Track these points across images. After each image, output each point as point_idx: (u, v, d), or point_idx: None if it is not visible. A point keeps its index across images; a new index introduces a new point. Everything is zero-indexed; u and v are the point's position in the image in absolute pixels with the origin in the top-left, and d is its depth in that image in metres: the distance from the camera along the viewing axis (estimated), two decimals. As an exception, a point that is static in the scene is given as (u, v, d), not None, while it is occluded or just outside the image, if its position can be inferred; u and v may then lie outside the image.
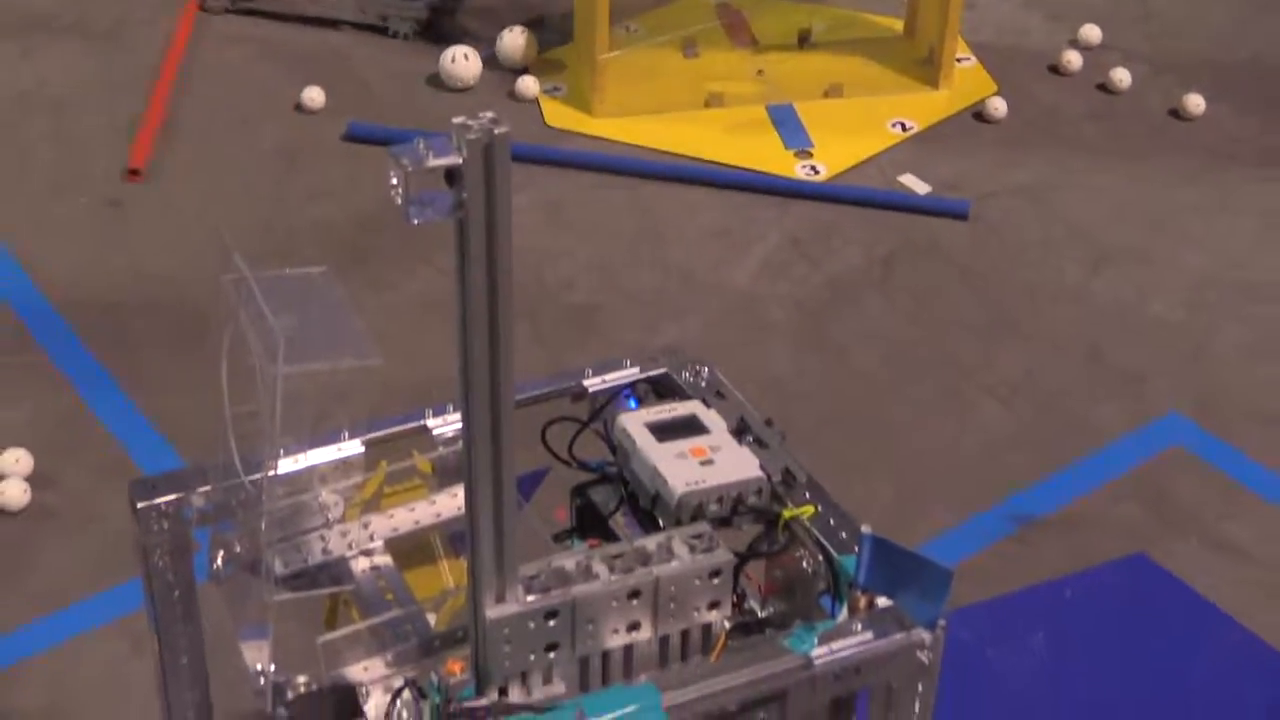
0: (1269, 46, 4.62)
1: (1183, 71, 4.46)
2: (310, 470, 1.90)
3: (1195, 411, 3.37)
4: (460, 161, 1.40)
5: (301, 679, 1.73)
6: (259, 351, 1.64)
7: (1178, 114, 4.34)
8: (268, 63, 4.47)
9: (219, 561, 1.88)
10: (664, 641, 1.70)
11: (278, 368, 1.59)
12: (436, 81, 4.38)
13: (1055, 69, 4.50)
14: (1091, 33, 4.58)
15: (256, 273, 1.67)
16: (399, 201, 1.42)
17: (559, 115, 4.28)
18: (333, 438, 1.92)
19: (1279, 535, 3.09)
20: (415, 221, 1.42)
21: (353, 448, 1.92)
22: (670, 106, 4.29)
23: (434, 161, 1.40)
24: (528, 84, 4.34)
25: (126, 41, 4.51)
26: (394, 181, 1.42)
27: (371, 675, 1.74)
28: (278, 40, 4.57)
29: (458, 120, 1.41)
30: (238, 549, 1.87)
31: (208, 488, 1.85)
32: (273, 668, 1.75)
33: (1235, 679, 2.77)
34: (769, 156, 4.14)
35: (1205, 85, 4.40)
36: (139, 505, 1.83)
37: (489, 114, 1.43)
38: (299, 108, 4.26)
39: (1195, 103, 4.32)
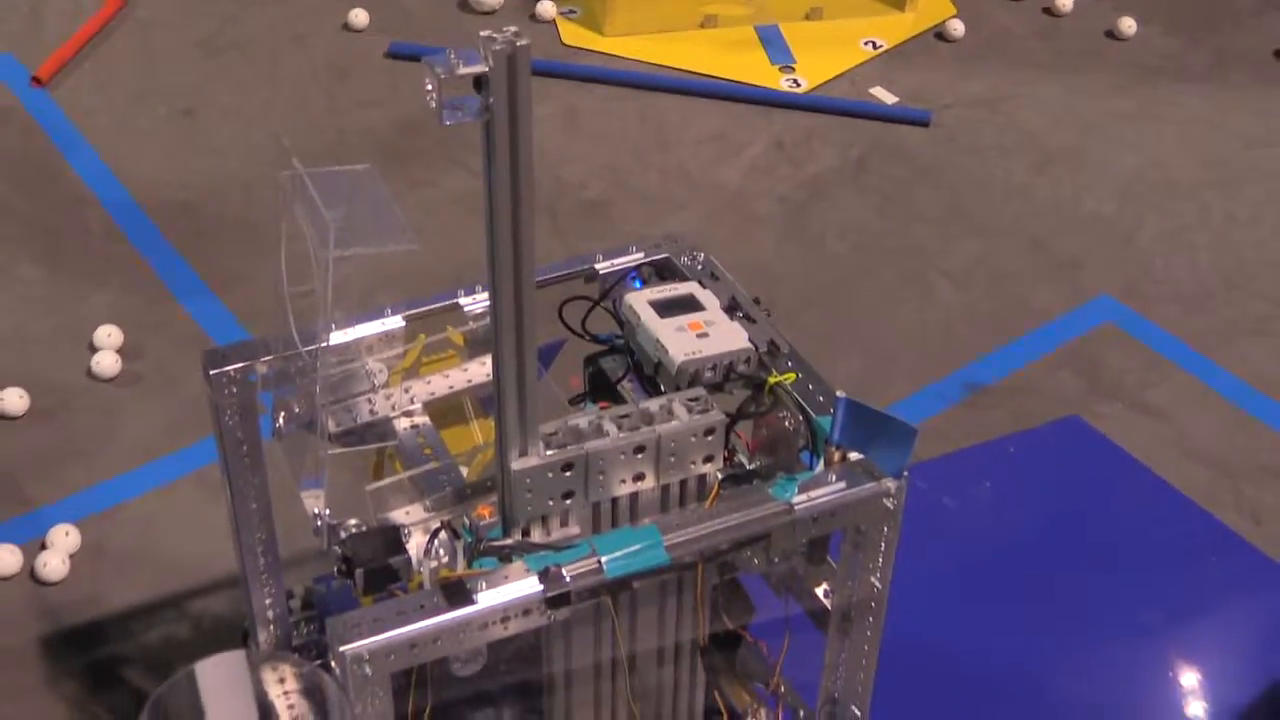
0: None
1: (1116, -4, 4.44)
2: (358, 342, 1.89)
3: (1123, 293, 3.37)
4: (487, 69, 1.39)
5: (352, 521, 1.74)
6: (313, 238, 1.62)
7: (1113, 34, 4.31)
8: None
9: (281, 421, 1.88)
10: (665, 490, 1.70)
11: (329, 252, 1.58)
12: (466, 6, 4.32)
13: (1007, -8, 4.47)
14: (1039, -38, 4.54)
15: (310, 169, 1.66)
16: (433, 105, 1.40)
17: (574, 35, 4.23)
18: (377, 313, 1.91)
19: (1193, 400, 3.08)
20: (448, 123, 1.40)
21: (395, 322, 1.91)
22: (671, 27, 4.24)
23: (464, 70, 1.39)
24: (546, 7, 4.29)
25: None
26: (429, 88, 1.41)
27: (412, 518, 1.75)
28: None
29: (485, 33, 1.39)
30: (296, 410, 1.87)
31: (270, 357, 1.84)
32: (328, 512, 1.75)
33: (1151, 522, 2.78)
34: (757, 71, 4.10)
35: (1137, 9, 4.36)
36: (211, 372, 1.82)
37: (512, 28, 1.41)
38: (345, 27, 4.20)
39: (1128, 24, 4.29)
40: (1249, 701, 2.44)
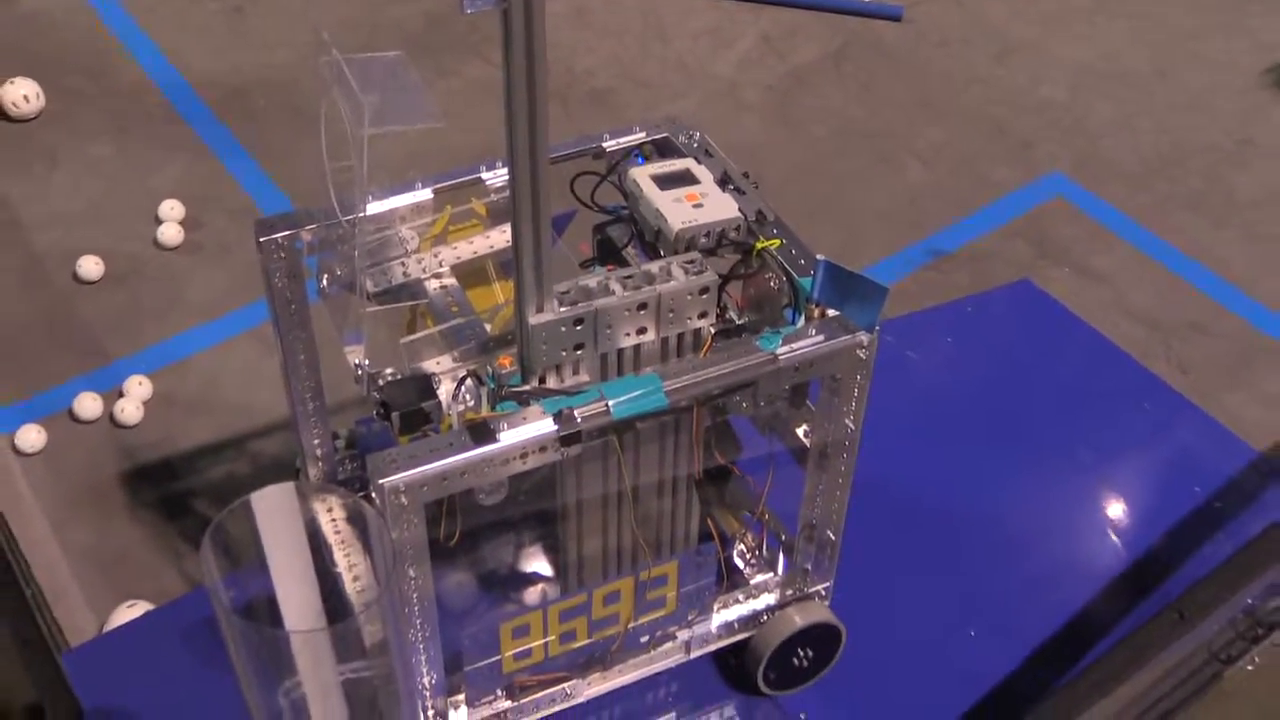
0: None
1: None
2: (392, 212, 1.88)
3: (1072, 170, 3.33)
4: (505, -38, 1.34)
5: (389, 370, 1.73)
6: (350, 118, 1.60)
7: (1068, -63, 4.20)
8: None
9: (325, 283, 1.86)
10: (664, 343, 1.69)
11: (364, 130, 1.55)
12: (488, -89, 4.22)
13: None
14: None
15: (346, 56, 1.62)
16: (456, -6, 1.36)
17: (583, -62, 4.14)
18: (409, 186, 1.89)
19: (1131, 266, 3.07)
20: (469, 10, 1.36)
21: (425, 194, 1.89)
22: (671, -69, 4.15)
23: (484, -37, 1.34)
24: (559, -87, 4.20)
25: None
26: (451, -22, 1.36)
27: (442, 368, 1.74)
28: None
29: (500, -71, 1.35)
30: (338, 273, 1.86)
31: (314, 225, 1.82)
32: (367, 362, 1.75)
33: (1091, 373, 2.77)
34: (747, -29, 4.02)
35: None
36: (261, 239, 1.81)
37: (525, -77, 1.36)
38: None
39: (1082, -72, 4.18)
40: (1171, 521, 2.47)
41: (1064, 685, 1.90)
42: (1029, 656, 2.21)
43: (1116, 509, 2.49)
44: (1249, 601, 2.27)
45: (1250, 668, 2.31)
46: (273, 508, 1.35)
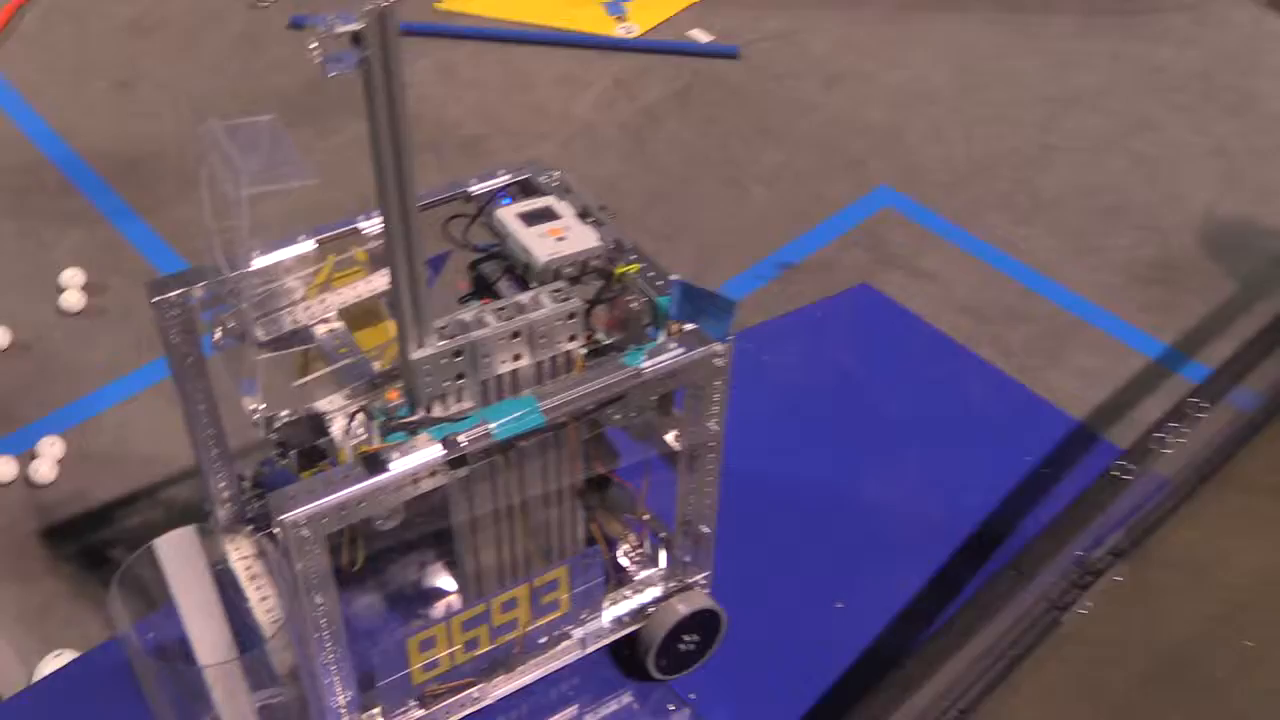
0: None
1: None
2: (278, 264, 1.83)
3: (898, 182, 3.38)
4: (361, 26, 1.32)
5: (285, 412, 1.69)
6: (229, 181, 1.55)
7: (878, -24, 4.27)
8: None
9: (218, 336, 1.81)
10: (539, 366, 1.67)
11: (242, 191, 1.51)
12: (354, -19, 4.16)
13: (792, -51, 4.40)
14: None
15: (222, 122, 1.59)
16: (319, 60, 1.34)
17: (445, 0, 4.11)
18: (292, 239, 1.84)
19: (955, 265, 3.12)
20: (331, 74, 1.34)
21: (308, 246, 1.86)
22: (523, -10, 4.15)
23: (341, 28, 1.33)
24: (420, -21, 4.15)
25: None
26: (313, 46, 1.34)
27: (335, 406, 1.70)
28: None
29: (356, -2, 1.32)
30: (231, 325, 1.81)
31: (205, 283, 1.76)
32: (264, 406, 1.70)
33: (927, 362, 2.82)
34: (596, 22, 4.01)
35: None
36: (154, 299, 1.75)
37: (378, -8, 1.34)
38: (253, 5, 4.02)
39: (889, -33, 4.25)
40: (1006, 488, 2.51)
41: (921, 645, 1.92)
42: (890, 622, 2.24)
43: (958, 482, 2.53)
44: (1078, 553, 2.32)
45: (1084, 611, 2.36)
46: (177, 551, 1.30)
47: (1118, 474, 2.22)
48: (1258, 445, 2.72)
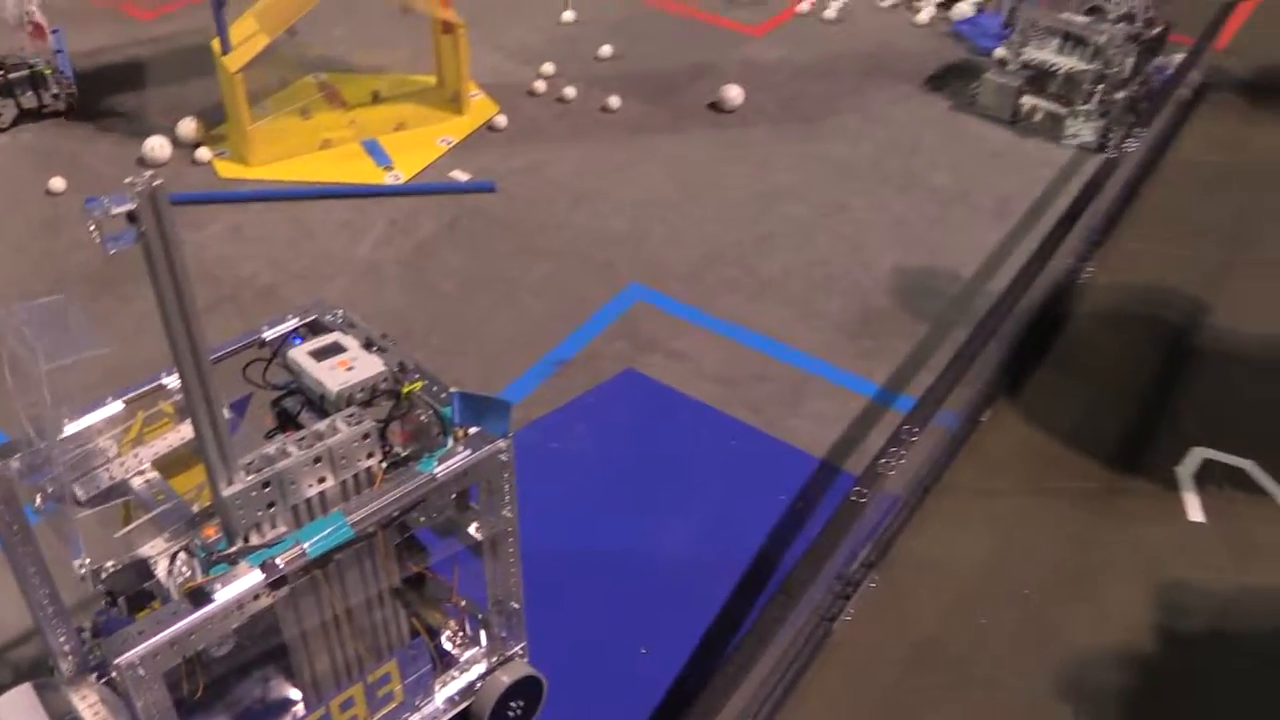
0: (649, 63, 4.71)
1: (604, 84, 4.50)
2: (89, 428, 1.73)
3: (645, 279, 3.45)
4: (135, 206, 1.27)
5: (110, 562, 1.59)
6: (28, 359, 1.47)
7: (605, 109, 4.37)
8: (21, 164, 4.00)
9: (38, 502, 1.69)
10: (344, 485, 1.63)
11: (41, 367, 1.43)
12: (143, 161, 4.01)
13: (531, 92, 4.46)
14: (548, 67, 4.56)
15: (17, 305, 1.50)
16: (98, 240, 1.28)
17: (228, 169, 3.99)
18: (100, 403, 1.74)
19: (702, 342, 3.20)
20: (111, 252, 1.29)
21: (116, 407, 1.76)
22: (299, 152, 4.06)
23: (116, 210, 1.28)
24: (203, 153, 4.02)
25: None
26: (92, 227, 1.29)
27: (157, 550, 1.62)
28: (23, 146, 4.10)
29: (127, 180, 1.29)
30: (50, 490, 1.69)
31: (19, 455, 1.65)
32: (88, 560, 1.59)
33: (690, 427, 2.87)
34: (368, 173, 3.98)
35: (618, 90, 4.45)
36: (-31, 476, 1.62)
37: (149, 173, 1.31)
38: (48, 192, 3.83)
39: (615, 101, 4.36)
40: (769, 524, 2.57)
41: (716, 674, 1.93)
42: (690, 658, 2.25)
43: (729, 527, 2.58)
44: (838, 569, 2.39)
45: (849, 619, 2.42)
46: (15, 709, 1.20)
47: (856, 498, 2.29)
48: (963, 456, 2.88)
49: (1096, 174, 3.47)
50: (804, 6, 5.11)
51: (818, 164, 4.05)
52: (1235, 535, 2.64)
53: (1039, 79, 4.15)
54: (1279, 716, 2.25)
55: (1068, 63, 4.09)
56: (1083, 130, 4.10)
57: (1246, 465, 2.83)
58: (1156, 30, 4.12)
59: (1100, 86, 4.06)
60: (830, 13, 5.06)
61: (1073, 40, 4.07)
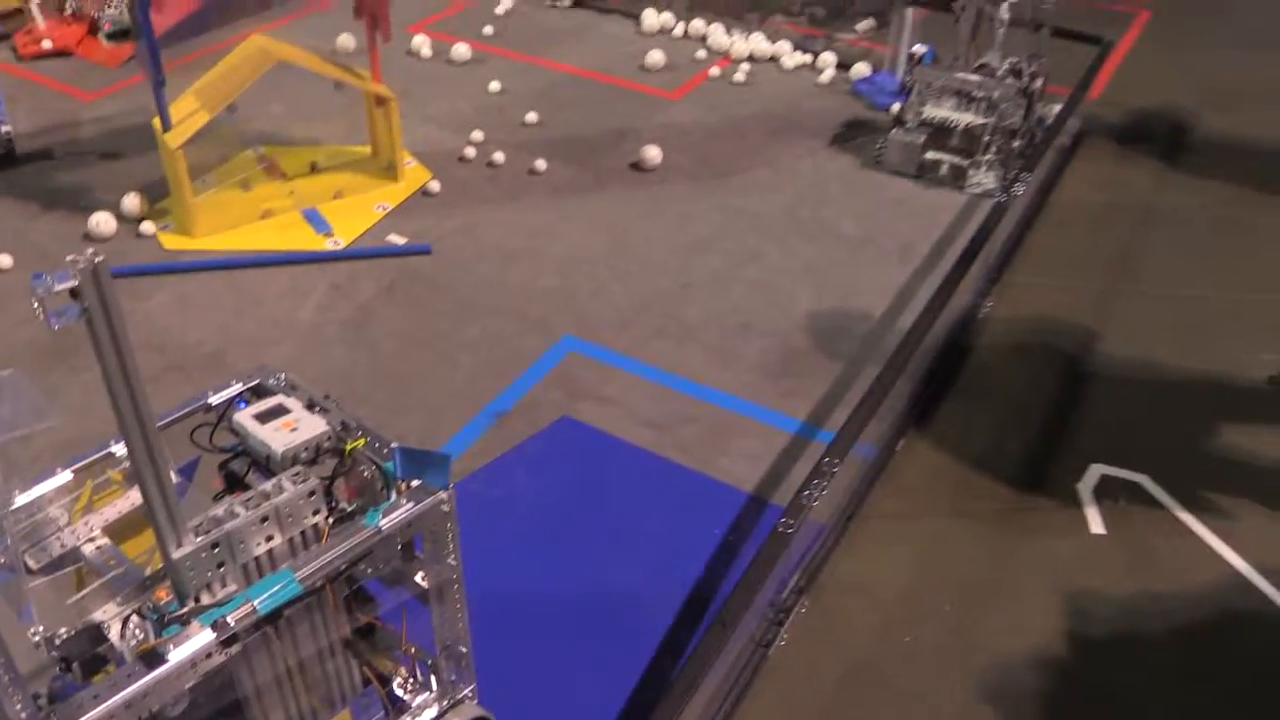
0: (573, 128, 4.75)
1: (530, 148, 4.53)
2: (40, 498, 1.68)
3: (577, 331, 3.47)
4: (77, 283, 1.25)
5: (63, 629, 1.54)
6: (-24, 435, 1.43)
7: (533, 172, 4.40)
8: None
9: (-11, 573, 1.64)
10: (291, 542, 1.61)
11: (-11, 442, 1.39)
12: (88, 237, 3.94)
13: (462, 158, 4.47)
14: (478, 135, 4.58)
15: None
16: (42, 317, 1.26)
17: (172, 241, 3.93)
18: (50, 474, 1.70)
19: (633, 389, 3.22)
20: (55, 328, 1.27)
21: (65, 477, 1.72)
22: (240, 223, 4.02)
23: (59, 286, 1.26)
24: (147, 226, 3.96)
25: None
26: (35, 304, 1.26)
27: (109, 614, 1.57)
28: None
29: (70, 257, 1.27)
30: (2, 560, 1.64)
31: (-32, 529, 1.60)
32: (41, 628, 1.55)
33: (624, 469, 2.88)
34: (308, 240, 3.95)
35: (544, 153, 4.49)
36: (-81, 553, 1.56)
37: (91, 250, 1.29)
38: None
39: (541, 164, 4.39)
40: (705, 558, 2.57)
41: (659, 703, 1.92)
42: (635, 687, 2.24)
43: (666, 562, 2.58)
44: (770, 597, 2.40)
45: (783, 643, 2.43)
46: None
47: (783, 529, 2.31)
48: (881, 484, 2.92)
49: (989, 216, 3.57)
50: (715, 70, 5.22)
51: (733, 216, 4.11)
52: (1133, 545, 2.71)
53: (939, 134, 4.27)
54: (1178, 707, 2.30)
55: (965, 118, 4.22)
56: (985, 179, 4.23)
57: (1141, 480, 2.91)
58: (1039, 82, 4.28)
59: (997, 137, 4.20)
60: (740, 76, 5.16)
61: (966, 97, 4.21)
